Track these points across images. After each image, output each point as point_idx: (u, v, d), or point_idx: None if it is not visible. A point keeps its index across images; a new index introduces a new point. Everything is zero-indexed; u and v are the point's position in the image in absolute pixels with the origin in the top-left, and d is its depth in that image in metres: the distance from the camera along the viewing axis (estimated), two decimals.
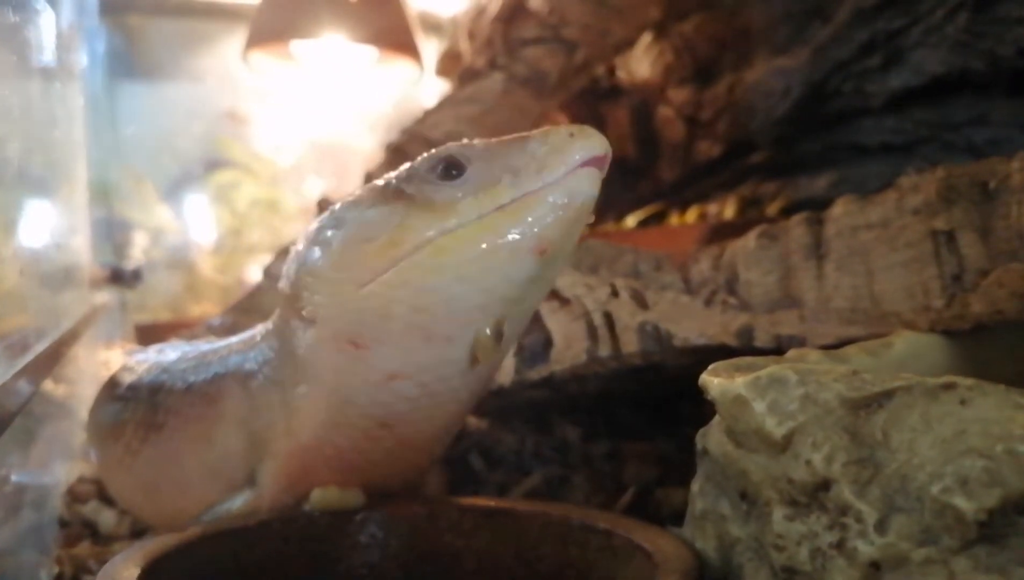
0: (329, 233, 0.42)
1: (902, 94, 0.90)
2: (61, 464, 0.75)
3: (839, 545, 0.29)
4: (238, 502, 0.45)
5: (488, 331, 0.41)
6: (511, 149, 0.41)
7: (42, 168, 0.76)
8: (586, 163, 0.40)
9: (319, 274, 0.41)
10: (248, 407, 0.47)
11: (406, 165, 0.43)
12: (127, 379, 0.54)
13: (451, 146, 0.42)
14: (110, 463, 0.55)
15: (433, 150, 0.42)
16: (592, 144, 0.40)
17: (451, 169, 0.41)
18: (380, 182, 0.43)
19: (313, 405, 0.43)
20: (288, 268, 0.44)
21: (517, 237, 0.39)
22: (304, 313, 0.42)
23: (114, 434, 0.53)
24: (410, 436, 0.43)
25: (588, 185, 0.40)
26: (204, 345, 0.54)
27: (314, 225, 0.44)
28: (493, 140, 0.42)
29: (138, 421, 0.51)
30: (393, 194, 0.41)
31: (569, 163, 0.39)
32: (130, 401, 0.53)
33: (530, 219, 0.39)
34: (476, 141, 0.42)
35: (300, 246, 0.44)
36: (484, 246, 0.39)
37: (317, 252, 0.42)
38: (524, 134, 0.42)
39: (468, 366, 0.42)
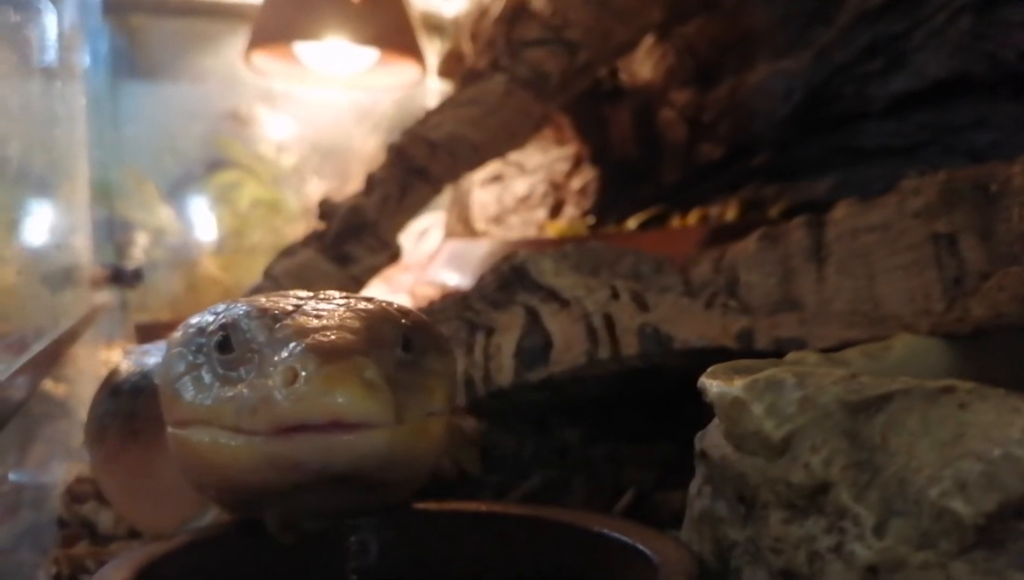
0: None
1: (904, 97, 0.90)
2: (60, 464, 0.75)
3: (837, 549, 0.29)
4: (207, 518, 0.42)
5: (272, 522, 0.35)
6: (265, 358, 0.32)
7: (43, 167, 0.77)
8: (315, 428, 0.30)
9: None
10: None
11: (227, 308, 0.35)
12: (112, 381, 0.53)
13: (239, 315, 0.34)
14: (97, 466, 0.54)
15: (228, 311, 0.35)
16: (323, 406, 0.29)
17: (228, 341, 0.33)
18: (203, 319, 0.36)
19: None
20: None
21: (218, 473, 0.33)
22: None
23: (99, 438, 0.52)
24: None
25: (314, 454, 0.30)
26: None
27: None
28: (290, 321, 0.33)
29: (117, 427, 0.49)
30: (193, 348, 0.35)
31: (274, 423, 0.30)
32: (111, 405, 0.51)
33: (234, 461, 0.32)
34: (278, 306, 0.34)
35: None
36: (197, 460, 0.34)
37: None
38: (297, 338, 0.31)
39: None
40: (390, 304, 0.37)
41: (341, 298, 0.36)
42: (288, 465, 0.31)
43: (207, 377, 0.33)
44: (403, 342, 0.34)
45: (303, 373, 0.30)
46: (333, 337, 0.31)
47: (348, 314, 0.34)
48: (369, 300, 0.36)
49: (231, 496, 0.35)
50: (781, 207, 1.03)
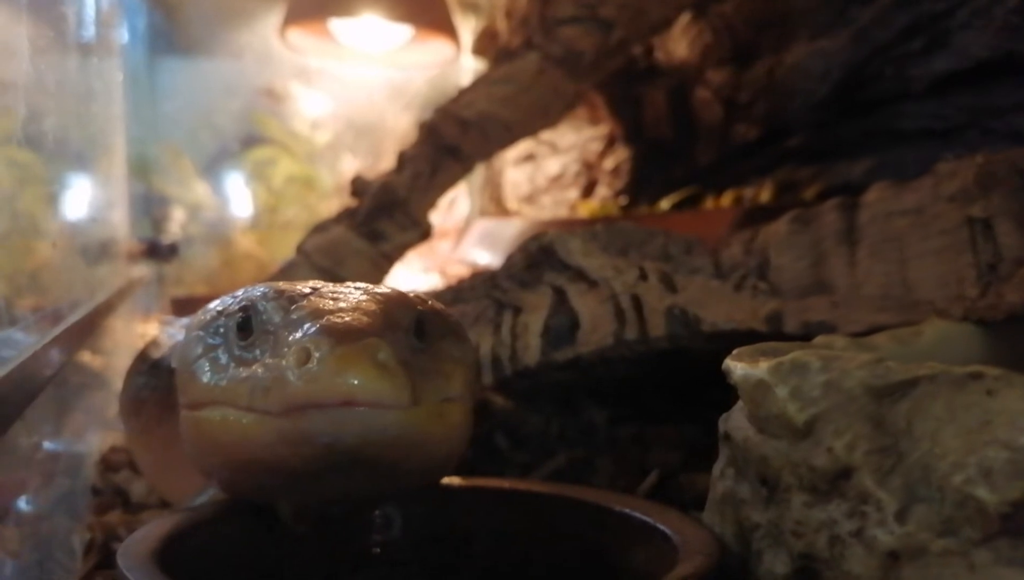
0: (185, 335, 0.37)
1: (944, 78, 0.88)
2: (95, 433, 0.76)
3: (858, 533, 0.29)
4: (210, 492, 0.42)
5: (284, 507, 0.35)
6: (280, 339, 0.32)
7: (80, 142, 0.78)
8: (330, 403, 0.29)
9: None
10: None
11: (245, 292, 0.36)
12: (152, 354, 0.54)
13: (257, 297, 0.34)
14: (132, 437, 0.55)
15: (247, 294, 0.35)
16: (335, 387, 0.29)
17: (248, 323, 0.34)
18: (223, 302, 0.37)
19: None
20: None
21: (229, 451, 0.33)
22: None
23: (135, 409, 0.53)
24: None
25: (326, 428, 0.30)
26: None
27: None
28: (306, 302, 0.33)
29: (155, 399, 0.49)
30: (211, 331, 0.35)
31: (286, 403, 0.30)
32: (151, 377, 0.51)
33: (246, 439, 0.32)
34: (295, 290, 0.34)
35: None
36: (210, 441, 0.34)
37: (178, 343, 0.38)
38: (312, 319, 0.31)
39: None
40: (407, 292, 0.37)
41: (359, 285, 0.36)
42: (299, 439, 0.30)
43: (223, 359, 0.34)
44: (419, 327, 0.34)
45: (316, 354, 0.30)
46: (347, 318, 0.31)
47: (363, 298, 0.34)
48: (386, 287, 0.37)
49: (241, 477, 0.35)
50: (816, 189, 1.02)
